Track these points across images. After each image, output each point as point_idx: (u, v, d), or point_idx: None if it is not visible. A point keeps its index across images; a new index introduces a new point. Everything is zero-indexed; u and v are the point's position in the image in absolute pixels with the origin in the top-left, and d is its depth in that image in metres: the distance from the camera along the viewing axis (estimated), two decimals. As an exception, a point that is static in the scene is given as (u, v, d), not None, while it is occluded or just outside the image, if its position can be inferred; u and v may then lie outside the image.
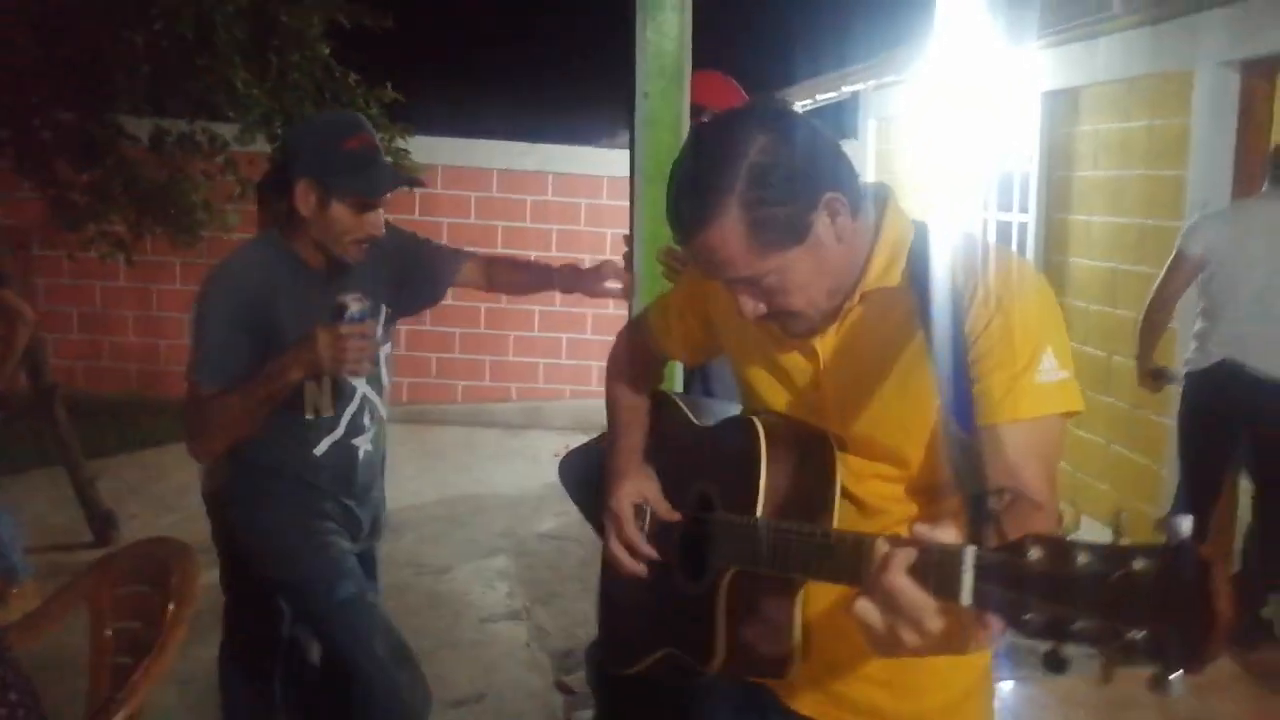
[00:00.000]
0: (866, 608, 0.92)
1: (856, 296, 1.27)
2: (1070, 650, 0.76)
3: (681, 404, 1.57)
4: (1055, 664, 0.78)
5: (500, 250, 6.53)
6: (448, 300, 7.46)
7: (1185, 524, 0.71)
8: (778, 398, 1.36)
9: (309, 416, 2.15)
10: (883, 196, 1.30)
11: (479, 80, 11.71)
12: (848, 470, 1.27)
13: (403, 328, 7.52)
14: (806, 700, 1.35)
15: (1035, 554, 0.79)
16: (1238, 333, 3.33)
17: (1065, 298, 5.24)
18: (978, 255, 1.22)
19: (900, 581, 0.89)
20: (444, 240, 7.07)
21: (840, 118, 7.99)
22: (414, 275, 2.38)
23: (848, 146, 5.79)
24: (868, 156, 7.92)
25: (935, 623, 0.89)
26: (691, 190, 1.18)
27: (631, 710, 2.01)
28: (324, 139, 2.04)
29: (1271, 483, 3.47)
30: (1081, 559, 0.76)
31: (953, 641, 0.90)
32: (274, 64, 4.60)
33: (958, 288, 1.18)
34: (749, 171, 1.14)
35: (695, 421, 1.51)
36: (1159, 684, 0.72)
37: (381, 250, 2.16)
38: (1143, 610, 0.72)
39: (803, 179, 1.17)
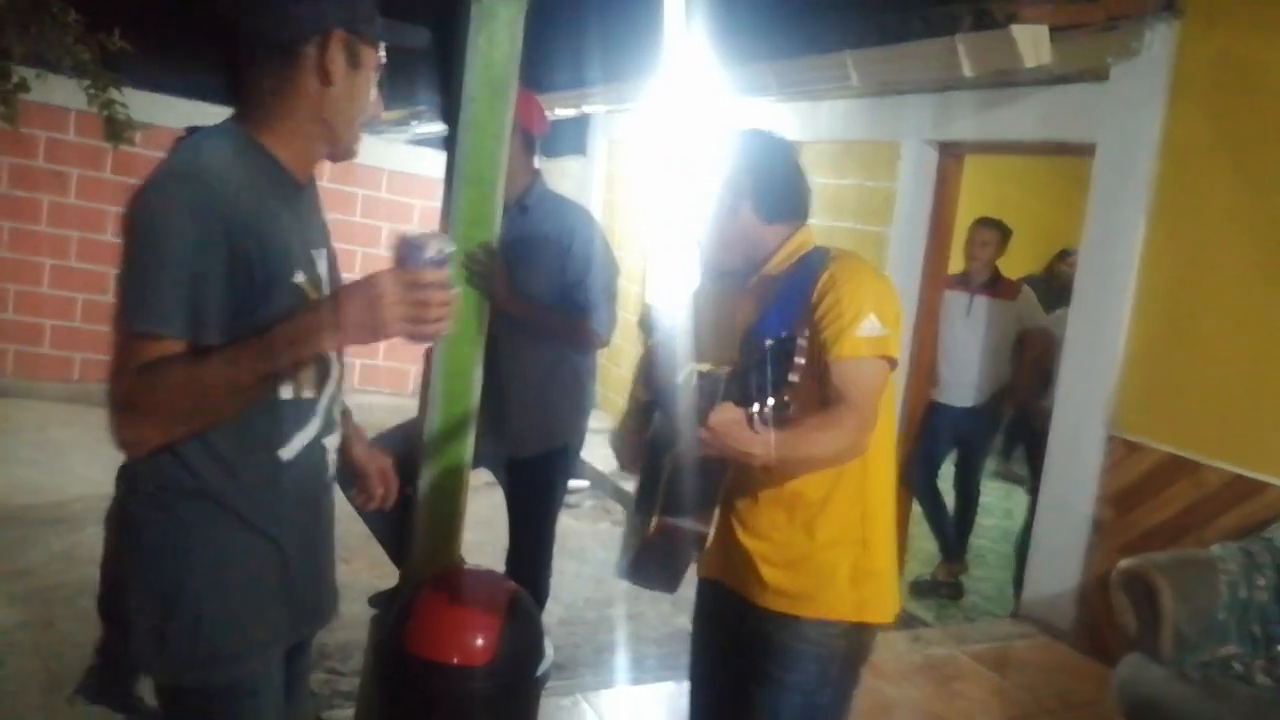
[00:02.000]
0: (709, 435, 1.50)
1: (756, 278, 1.86)
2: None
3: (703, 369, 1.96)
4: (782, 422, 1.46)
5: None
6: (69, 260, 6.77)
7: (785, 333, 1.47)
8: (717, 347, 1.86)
9: (285, 396, 1.44)
10: (804, 230, 1.89)
11: (201, 37, 10.62)
12: None
13: (79, 296, 6.74)
14: (732, 575, 1.86)
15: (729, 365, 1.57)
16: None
17: (772, 330, 5.74)
18: (832, 258, 1.79)
19: (723, 416, 1.49)
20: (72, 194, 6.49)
21: (574, 133, 8.20)
22: None
23: (577, 162, 6.06)
24: (595, 174, 8.20)
25: (714, 420, 1.48)
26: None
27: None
28: None
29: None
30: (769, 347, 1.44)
31: (728, 440, 1.49)
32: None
33: (814, 276, 1.75)
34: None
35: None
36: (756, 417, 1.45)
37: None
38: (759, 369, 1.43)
39: (743, 171, 1.88)
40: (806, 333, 1.53)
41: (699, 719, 2.04)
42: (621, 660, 3.76)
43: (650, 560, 1.75)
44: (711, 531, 1.68)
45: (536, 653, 2.35)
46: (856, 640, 1.81)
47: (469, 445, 2.48)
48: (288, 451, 1.47)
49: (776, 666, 1.78)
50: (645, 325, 6.64)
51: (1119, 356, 3.75)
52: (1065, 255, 6.00)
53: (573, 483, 6.06)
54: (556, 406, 3.03)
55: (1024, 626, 3.93)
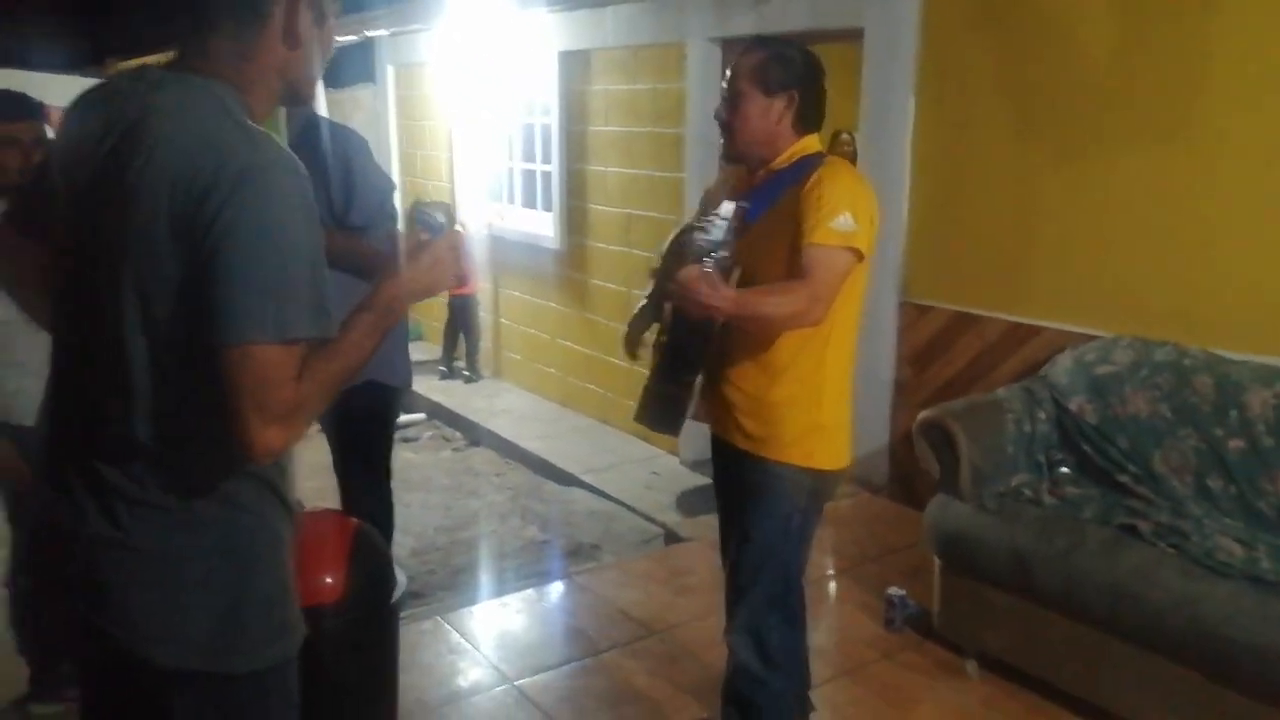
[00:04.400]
0: (674, 287, 1.89)
1: (763, 170, 2.13)
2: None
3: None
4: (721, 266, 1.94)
5: None
6: None
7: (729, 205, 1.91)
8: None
9: None
10: (813, 140, 2.15)
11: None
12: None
13: None
14: (718, 425, 2.22)
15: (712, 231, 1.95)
16: None
17: (585, 239, 5.83)
18: (825, 162, 2.06)
19: (684, 271, 1.89)
20: None
21: (361, 61, 7.88)
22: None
23: (367, 91, 5.93)
24: (389, 101, 7.94)
25: (683, 277, 1.87)
26: (756, 40, 2.14)
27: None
28: None
29: None
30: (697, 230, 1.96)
31: (691, 294, 1.87)
32: None
33: (805, 174, 2.01)
34: (776, 50, 2.09)
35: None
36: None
37: None
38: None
39: (795, 76, 2.07)
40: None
41: (724, 544, 2.34)
42: (477, 579, 3.85)
43: (656, 408, 2.20)
44: (698, 383, 2.12)
45: (387, 583, 2.39)
46: (815, 481, 2.13)
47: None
48: None
49: (753, 495, 2.14)
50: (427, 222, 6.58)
51: (903, 227, 4.03)
52: (838, 136, 6.26)
53: (408, 417, 6.07)
54: None
55: (846, 486, 4.25)
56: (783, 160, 2.11)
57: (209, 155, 1.20)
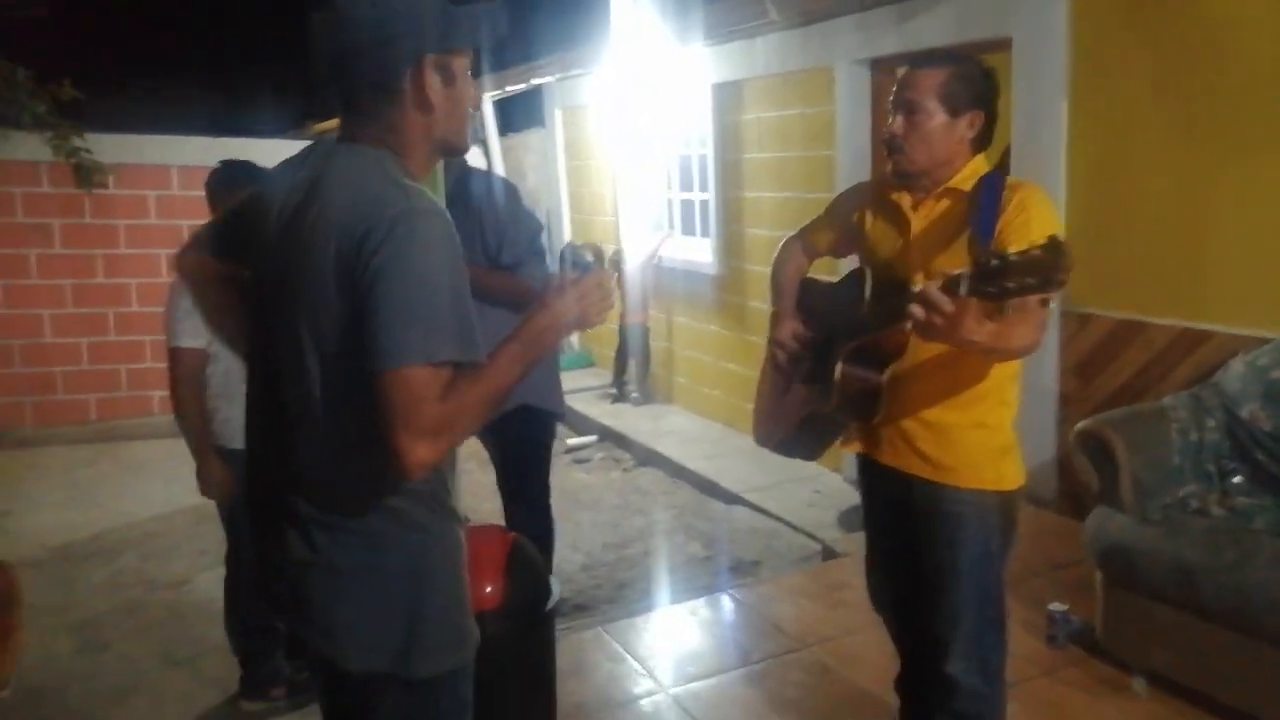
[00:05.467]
0: (915, 308, 1.68)
1: (941, 189, 2.04)
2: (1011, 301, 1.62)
3: (816, 279, 2.40)
4: (1000, 311, 1.74)
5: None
6: (134, 307, 7.01)
7: (1058, 234, 1.58)
8: (882, 257, 2.14)
9: None
10: (983, 159, 2.09)
11: (153, 73, 10.75)
12: None
13: (84, 340, 6.92)
14: (889, 454, 2.15)
15: (995, 262, 1.58)
16: None
17: (743, 262, 5.94)
18: (1012, 183, 1.98)
19: (929, 289, 1.67)
20: (122, 245, 6.72)
21: (530, 107, 8.33)
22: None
23: (537, 135, 6.26)
24: (557, 143, 8.34)
25: (948, 308, 1.65)
26: (937, 54, 2.07)
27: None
28: (415, 2, 1.48)
29: None
30: (1012, 258, 1.55)
31: (960, 326, 1.67)
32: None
33: (999, 194, 1.94)
34: (962, 68, 2.01)
35: (826, 282, 2.35)
36: (1046, 303, 1.67)
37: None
38: (1040, 267, 1.53)
39: (980, 95, 2.01)
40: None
41: (882, 572, 2.36)
42: (640, 593, 4.00)
43: (807, 434, 2.26)
44: (881, 410, 2.04)
45: (542, 591, 2.58)
46: (1006, 501, 2.10)
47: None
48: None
49: (948, 525, 2.08)
50: (616, 264, 6.88)
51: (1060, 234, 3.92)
52: (1009, 152, 6.11)
53: (580, 440, 6.34)
54: None
55: (1012, 503, 4.15)
56: (963, 179, 2.03)
57: (368, 206, 1.40)
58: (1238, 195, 3.39)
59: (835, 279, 2.30)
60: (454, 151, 1.61)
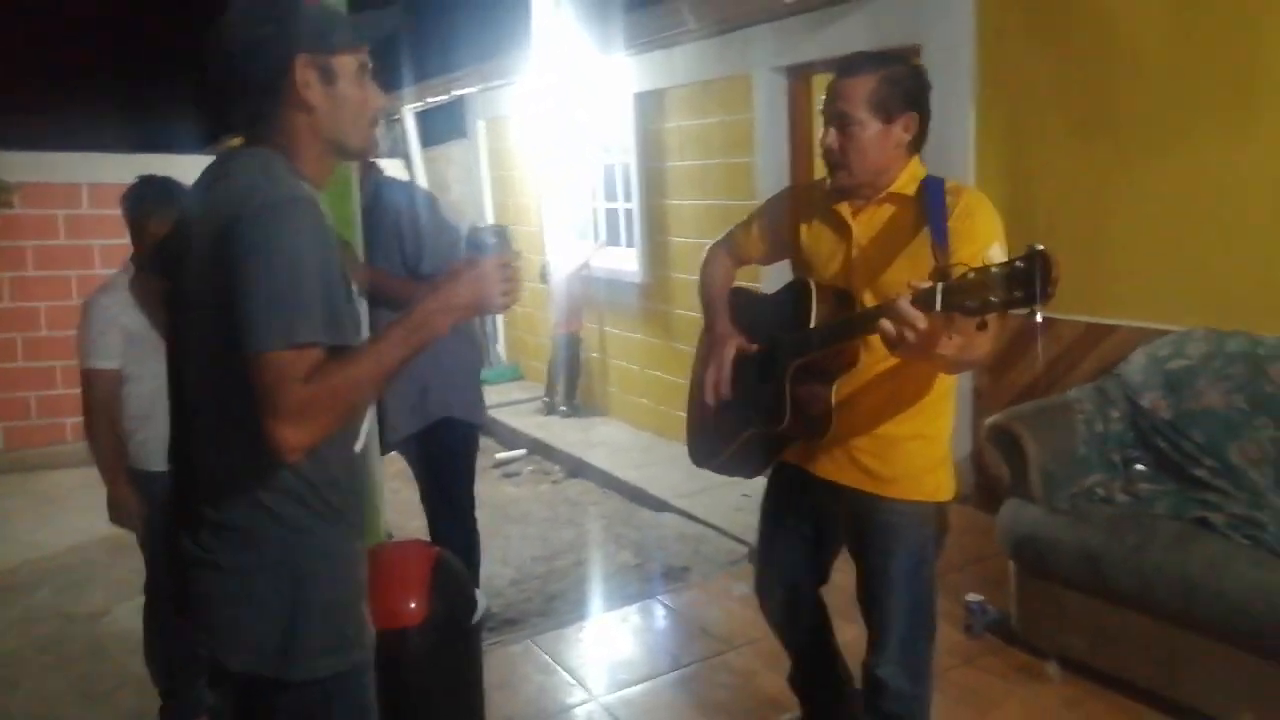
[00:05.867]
0: (886, 324, 1.63)
1: (883, 195, 2.00)
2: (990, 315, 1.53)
3: (748, 287, 2.34)
4: (983, 326, 1.56)
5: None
6: (43, 331, 6.79)
7: (1038, 245, 1.46)
8: (823, 266, 2.09)
9: None
10: (916, 159, 2.04)
11: (64, 89, 10.42)
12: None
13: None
14: (826, 467, 2.12)
15: (970, 275, 1.53)
16: None
17: (668, 271, 5.99)
18: (952, 187, 1.95)
19: (903, 305, 1.61)
20: (30, 267, 6.52)
21: (452, 119, 8.28)
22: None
23: (460, 146, 6.21)
24: (481, 154, 8.31)
25: (922, 324, 1.59)
26: (861, 58, 1.98)
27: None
28: (292, 3, 1.49)
29: None
30: (993, 270, 1.49)
31: (933, 341, 1.61)
32: None
33: (943, 199, 1.91)
34: (890, 71, 1.94)
35: (762, 293, 2.27)
36: (1031, 315, 1.48)
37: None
38: (1021, 282, 1.46)
39: (911, 96, 1.95)
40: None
41: (776, 579, 2.38)
42: (569, 604, 4.00)
43: (749, 453, 2.20)
44: (831, 427, 1.99)
45: (468, 605, 2.56)
46: (941, 511, 2.11)
47: (374, 434, 2.66)
48: (359, 444, 1.62)
49: (884, 536, 2.07)
50: (544, 276, 6.87)
51: (971, 237, 4.04)
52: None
53: (509, 453, 6.31)
54: (430, 383, 3.16)
55: (933, 499, 4.25)
56: (903, 184, 1.99)
57: (239, 197, 1.41)
58: (1135, 195, 3.53)
59: (761, 286, 2.28)
60: (350, 153, 1.61)
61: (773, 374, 2.06)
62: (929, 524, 2.09)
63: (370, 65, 1.57)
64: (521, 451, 6.38)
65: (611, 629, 3.48)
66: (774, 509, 2.34)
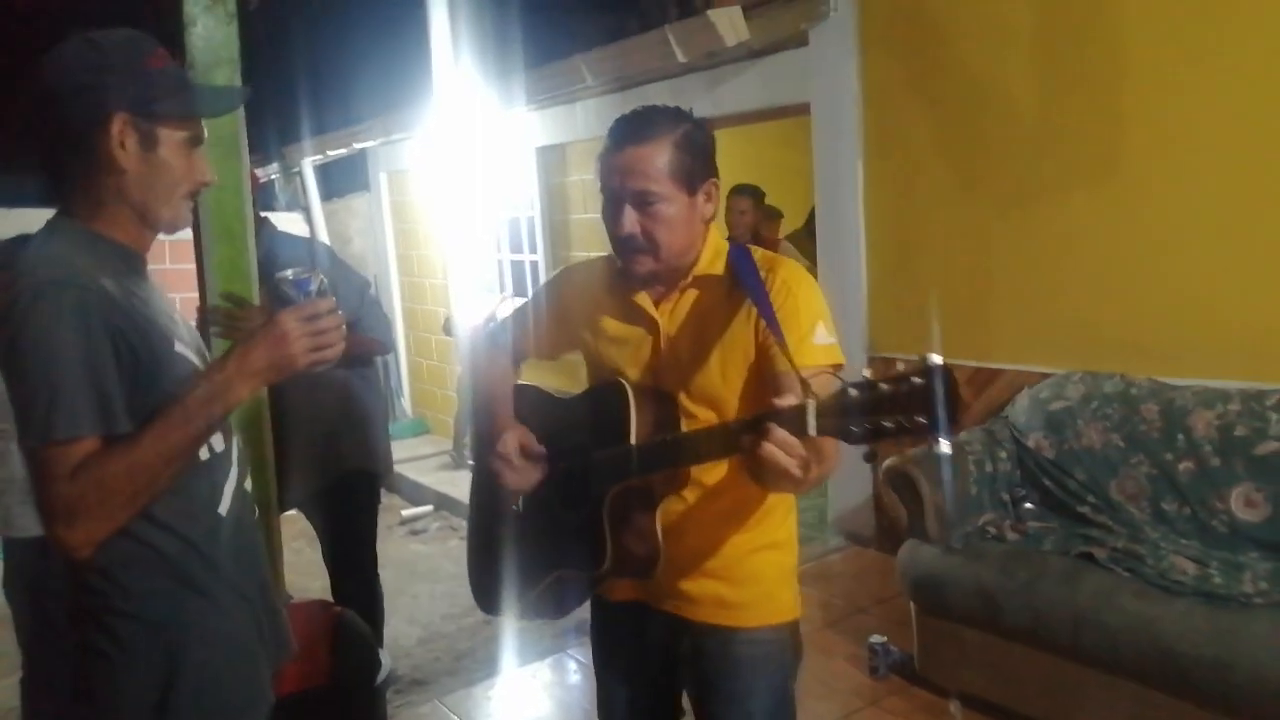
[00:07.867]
0: (772, 451, 1.29)
1: (690, 278, 1.69)
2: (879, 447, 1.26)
3: (540, 388, 1.93)
4: (870, 457, 1.31)
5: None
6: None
7: (936, 357, 1.19)
8: (627, 365, 1.74)
9: (203, 456, 1.47)
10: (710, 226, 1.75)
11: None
12: (684, 412, 1.67)
13: None
14: (669, 602, 1.76)
15: (853, 393, 1.24)
16: None
17: (576, 324, 6.02)
18: (763, 259, 1.69)
19: (783, 434, 1.29)
20: None
21: (353, 171, 8.22)
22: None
23: (362, 199, 6.19)
24: (383, 207, 8.25)
25: (799, 452, 1.29)
26: (646, 120, 1.63)
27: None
28: (126, 59, 1.42)
29: None
30: (882, 387, 1.21)
31: (810, 468, 1.32)
32: None
33: (757, 277, 1.63)
34: (685, 133, 1.62)
35: (559, 397, 1.87)
36: (932, 449, 1.21)
37: None
38: (921, 404, 1.18)
39: (707, 157, 1.65)
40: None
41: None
42: (479, 662, 3.94)
43: (558, 593, 1.79)
44: (662, 560, 1.65)
45: (372, 665, 2.52)
46: (796, 631, 1.82)
47: (272, 490, 2.61)
48: (224, 506, 1.51)
49: (740, 671, 1.75)
50: (448, 329, 6.83)
51: (864, 285, 4.19)
52: (814, 215, 6.49)
53: (414, 510, 6.21)
54: (337, 434, 3.12)
55: (836, 540, 4.34)
56: (708, 263, 1.69)
57: (14, 281, 1.33)
58: (1013, 245, 3.72)
59: (553, 389, 1.92)
60: (158, 226, 1.50)
61: (583, 500, 1.69)
62: (788, 651, 1.79)
63: (204, 137, 1.51)
64: (428, 508, 6.28)
65: (523, 685, 3.44)
66: (608, 657, 1.93)
